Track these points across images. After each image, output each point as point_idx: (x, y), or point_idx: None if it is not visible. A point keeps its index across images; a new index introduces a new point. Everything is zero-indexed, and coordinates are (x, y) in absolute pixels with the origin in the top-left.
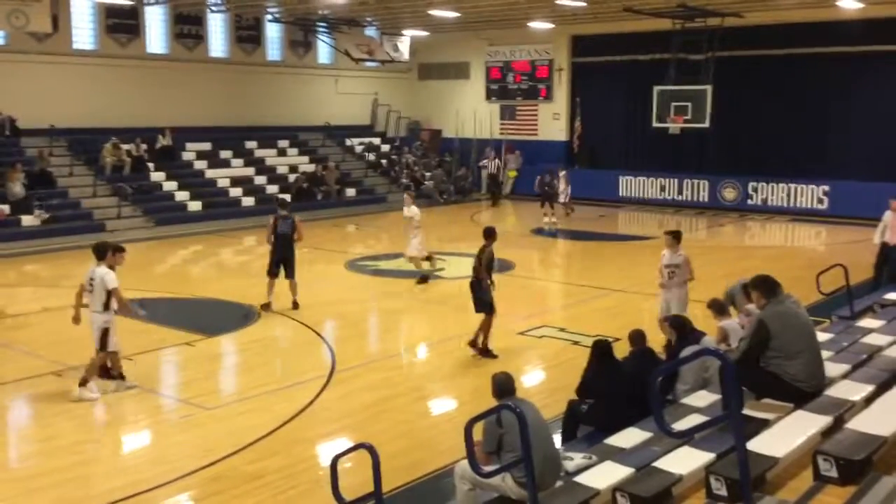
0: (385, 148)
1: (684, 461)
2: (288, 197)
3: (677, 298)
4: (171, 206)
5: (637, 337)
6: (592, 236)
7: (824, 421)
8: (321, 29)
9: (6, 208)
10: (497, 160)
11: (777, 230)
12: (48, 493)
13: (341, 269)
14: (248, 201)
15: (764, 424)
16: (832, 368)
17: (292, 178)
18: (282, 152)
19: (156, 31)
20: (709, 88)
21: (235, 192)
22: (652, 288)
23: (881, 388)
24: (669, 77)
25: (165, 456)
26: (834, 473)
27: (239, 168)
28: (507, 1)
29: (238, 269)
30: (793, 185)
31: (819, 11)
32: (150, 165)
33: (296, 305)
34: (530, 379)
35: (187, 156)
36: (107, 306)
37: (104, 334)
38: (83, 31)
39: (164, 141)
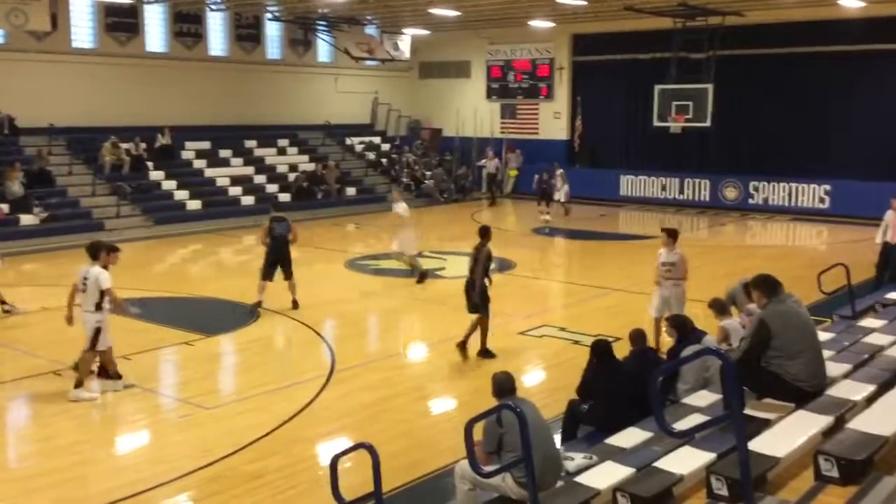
0: (385, 147)
1: (685, 461)
2: (288, 196)
3: (675, 297)
4: (170, 205)
5: (637, 336)
6: (593, 235)
7: (825, 421)
8: (321, 27)
9: (5, 207)
10: (496, 160)
11: (778, 229)
12: (47, 493)
13: (341, 269)
14: (248, 200)
15: (765, 424)
16: (833, 368)
17: (292, 177)
18: (281, 151)
19: (155, 29)
20: (710, 87)
21: (235, 191)
22: (652, 287)
23: (882, 388)
24: (670, 76)
25: (164, 456)
26: (835, 473)
27: (238, 167)
28: None
29: (237, 268)
30: (794, 185)
31: (820, 10)
32: (150, 164)
33: (295, 305)
34: (530, 378)
35: (186, 155)
36: (99, 306)
37: (96, 334)
38: (82, 30)
39: (163, 140)
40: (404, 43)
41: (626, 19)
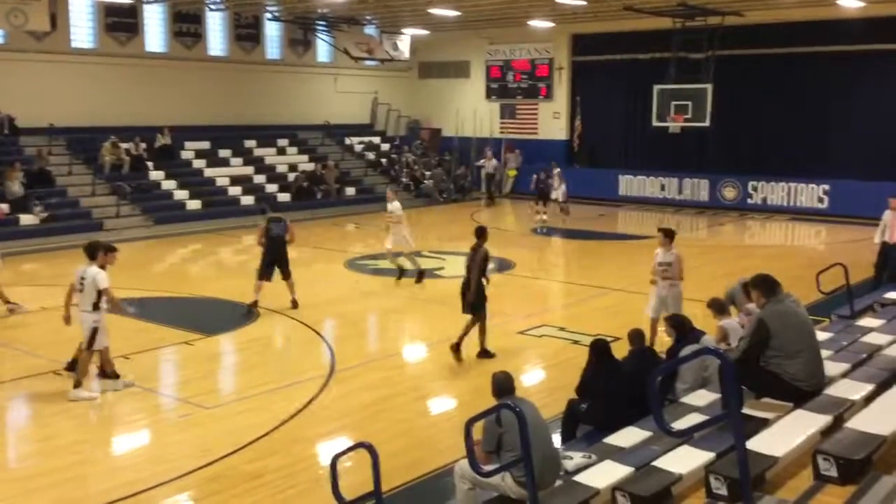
0: (385, 147)
1: (684, 460)
2: (288, 196)
3: (672, 298)
4: (170, 204)
5: (636, 336)
6: (592, 235)
7: (824, 420)
8: (320, 27)
9: (5, 207)
10: (494, 160)
11: (777, 229)
12: (47, 493)
13: (341, 269)
14: (248, 200)
15: (763, 424)
16: (832, 367)
17: (292, 177)
18: (281, 151)
19: (155, 29)
20: (709, 87)
21: (234, 190)
22: (650, 288)
23: (881, 388)
24: (669, 76)
25: (164, 455)
26: (834, 473)
27: (238, 167)
28: None
29: (237, 268)
30: (793, 185)
31: (819, 10)
32: (149, 164)
33: (295, 304)
34: (530, 378)
35: (186, 154)
36: (97, 306)
37: (93, 334)
38: (82, 30)
39: (163, 140)
40: (404, 43)
41: (626, 19)
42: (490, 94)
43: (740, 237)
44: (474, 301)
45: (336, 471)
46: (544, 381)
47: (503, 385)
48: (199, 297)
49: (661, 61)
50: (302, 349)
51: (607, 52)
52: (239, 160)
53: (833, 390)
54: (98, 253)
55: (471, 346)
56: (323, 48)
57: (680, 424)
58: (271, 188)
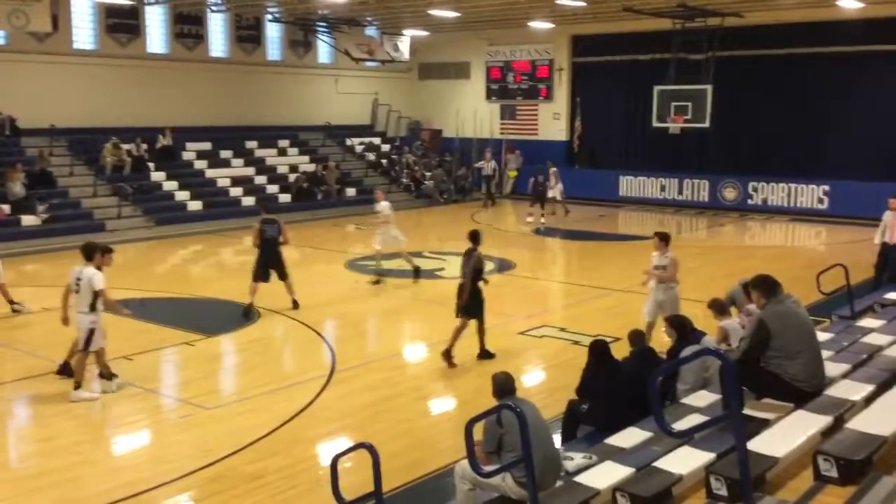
0: (385, 148)
1: (684, 461)
2: (289, 197)
3: (669, 301)
4: (171, 205)
5: (637, 337)
6: (592, 236)
7: (824, 421)
8: (321, 29)
9: (6, 208)
10: (493, 161)
11: (777, 230)
12: (47, 493)
13: (341, 269)
14: (249, 201)
15: (764, 424)
16: (832, 368)
17: (292, 177)
18: (282, 152)
19: (156, 30)
20: (709, 88)
21: (236, 191)
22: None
23: (881, 388)
24: (669, 77)
25: (165, 456)
26: (834, 473)
27: (239, 168)
28: (508, 1)
29: (238, 268)
30: (793, 185)
31: (819, 11)
32: (151, 165)
33: (295, 305)
34: (530, 379)
35: (187, 155)
36: (93, 307)
37: (90, 335)
38: (83, 31)
39: (164, 141)
40: (404, 44)
41: (626, 20)
42: (490, 95)
43: (740, 238)
44: (466, 305)
45: (336, 471)
46: (545, 381)
47: (504, 385)
48: (201, 297)
49: (661, 62)
50: (302, 350)
51: (607, 53)
52: (240, 161)
53: (833, 391)
54: (95, 254)
55: (470, 347)
56: (324, 49)
57: (680, 425)
58: (272, 189)
